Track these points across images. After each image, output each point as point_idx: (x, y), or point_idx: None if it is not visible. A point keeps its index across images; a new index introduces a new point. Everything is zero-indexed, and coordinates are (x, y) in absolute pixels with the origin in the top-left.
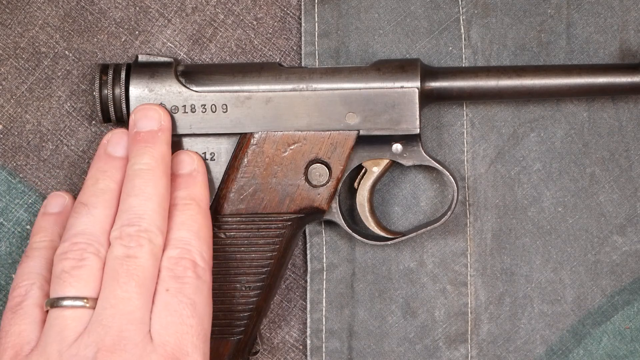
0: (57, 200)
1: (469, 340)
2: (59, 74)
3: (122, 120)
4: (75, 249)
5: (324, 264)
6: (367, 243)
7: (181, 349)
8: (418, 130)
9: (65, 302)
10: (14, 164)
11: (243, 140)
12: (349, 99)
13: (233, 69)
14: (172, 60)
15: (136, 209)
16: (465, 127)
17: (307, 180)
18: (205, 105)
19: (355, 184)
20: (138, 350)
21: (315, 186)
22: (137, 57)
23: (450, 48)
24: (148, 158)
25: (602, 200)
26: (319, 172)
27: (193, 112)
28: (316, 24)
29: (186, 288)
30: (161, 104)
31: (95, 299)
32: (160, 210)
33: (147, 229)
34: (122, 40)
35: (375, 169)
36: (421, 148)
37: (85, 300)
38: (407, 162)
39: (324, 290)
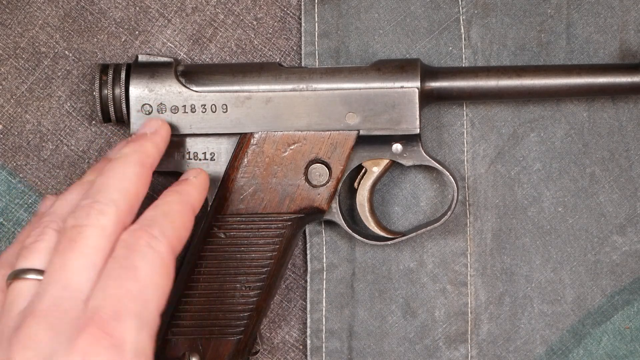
0: (48, 203)
1: (469, 340)
2: (59, 74)
3: (122, 120)
4: (37, 226)
5: (324, 264)
6: (367, 243)
7: (115, 314)
8: (418, 130)
9: (20, 275)
10: (14, 164)
11: (243, 140)
12: (349, 99)
13: (233, 69)
14: (172, 60)
15: (97, 185)
16: (465, 127)
17: (307, 180)
18: (205, 105)
19: (355, 184)
20: (67, 316)
21: (315, 186)
22: (137, 57)
23: (450, 48)
24: (127, 149)
25: (602, 200)
26: (319, 172)
27: (193, 112)
28: (316, 24)
29: (133, 255)
30: (161, 104)
31: None
32: (121, 189)
33: (100, 200)
34: (122, 40)
35: (375, 169)
36: (421, 148)
37: (37, 273)
38: (407, 162)
39: (324, 290)
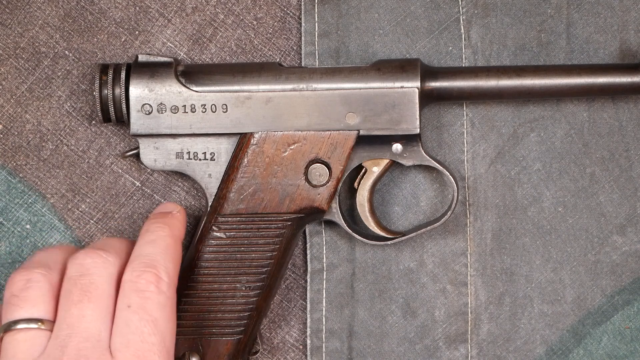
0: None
1: (469, 340)
2: (59, 74)
3: (122, 120)
4: (23, 272)
5: (324, 264)
6: (367, 243)
7: None
8: (418, 130)
9: (17, 326)
10: (14, 164)
11: (243, 140)
12: (349, 99)
13: (233, 69)
14: (172, 60)
15: (104, 240)
16: (465, 127)
17: (307, 180)
18: (205, 105)
19: (355, 184)
20: None
21: (315, 186)
22: (137, 57)
23: (450, 48)
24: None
25: (602, 200)
26: (319, 172)
27: (193, 112)
28: (316, 24)
29: (148, 304)
30: (161, 104)
31: (51, 322)
32: (125, 241)
33: (101, 247)
34: (122, 40)
35: (375, 169)
36: (421, 148)
37: (39, 323)
38: (407, 162)
39: (324, 290)
